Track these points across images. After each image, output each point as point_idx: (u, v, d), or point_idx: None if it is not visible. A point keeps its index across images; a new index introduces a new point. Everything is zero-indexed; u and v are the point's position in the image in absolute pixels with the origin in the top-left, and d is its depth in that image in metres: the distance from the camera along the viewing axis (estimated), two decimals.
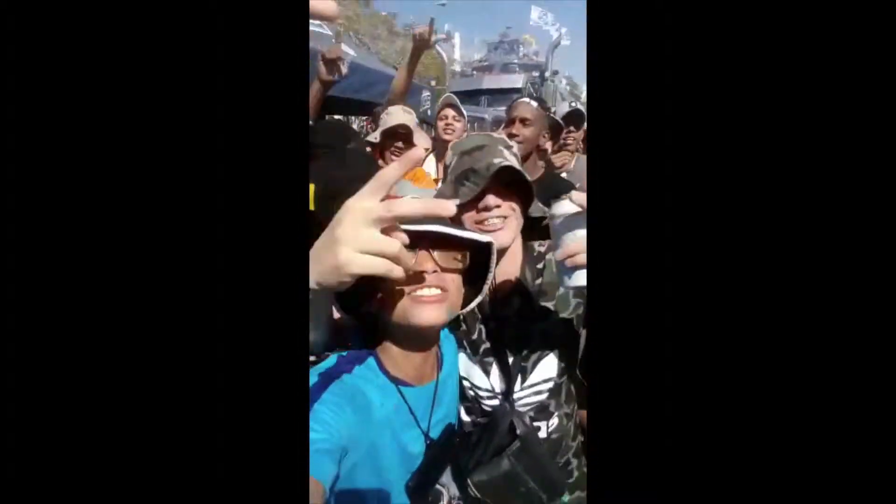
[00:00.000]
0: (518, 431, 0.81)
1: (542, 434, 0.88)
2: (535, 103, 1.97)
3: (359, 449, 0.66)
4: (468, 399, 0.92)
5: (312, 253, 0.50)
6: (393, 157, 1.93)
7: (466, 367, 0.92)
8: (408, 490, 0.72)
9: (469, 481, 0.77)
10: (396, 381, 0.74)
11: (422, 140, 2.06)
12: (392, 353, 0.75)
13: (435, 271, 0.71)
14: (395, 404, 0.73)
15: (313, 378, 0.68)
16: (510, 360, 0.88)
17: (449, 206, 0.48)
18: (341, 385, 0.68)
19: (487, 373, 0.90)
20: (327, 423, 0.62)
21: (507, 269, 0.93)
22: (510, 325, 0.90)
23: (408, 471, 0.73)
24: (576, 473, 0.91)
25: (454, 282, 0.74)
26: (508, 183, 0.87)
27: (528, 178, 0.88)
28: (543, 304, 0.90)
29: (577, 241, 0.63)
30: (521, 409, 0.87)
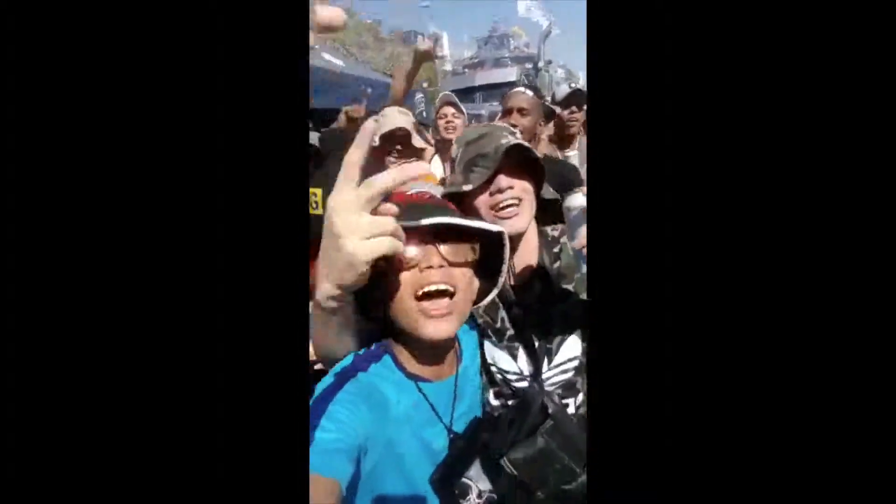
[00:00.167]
0: (549, 410, 0.83)
1: (571, 410, 0.89)
2: (529, 92, 1.99)
3: (377, 447, 0.65)
4: (497, 383, 0.93)
5: (321, 261, 0.52)
6: (391, 161, 1.91)
7: (492, 353, 0.92)
8: (433, 484, 0.70)
9: (505, 460, 0.78)
10: (415, 378, 0.72)
11: (420, 142, 2.05)
12: (408, 351, 0.74)
13: (442, 266, 0.66)
14: (414, 401, 0.71)
15: (330, 378, 0.68)
16: (536, 343, 0.89)
17: (423, 165, 0.48)
18: (357, 383, 0.67)
19: (514, 356, 0.91)
20: (342, 421, 0.61)
21: (525, 255, 0.93)
22: (532, 310, 0.90)
23: (431, 466, 0.71)
24: None
25: (464, 277, 0.70)
26: (519, 164, 0.86)
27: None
28: (564, 286, 0.91)
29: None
30: (549, 388, 0.89)
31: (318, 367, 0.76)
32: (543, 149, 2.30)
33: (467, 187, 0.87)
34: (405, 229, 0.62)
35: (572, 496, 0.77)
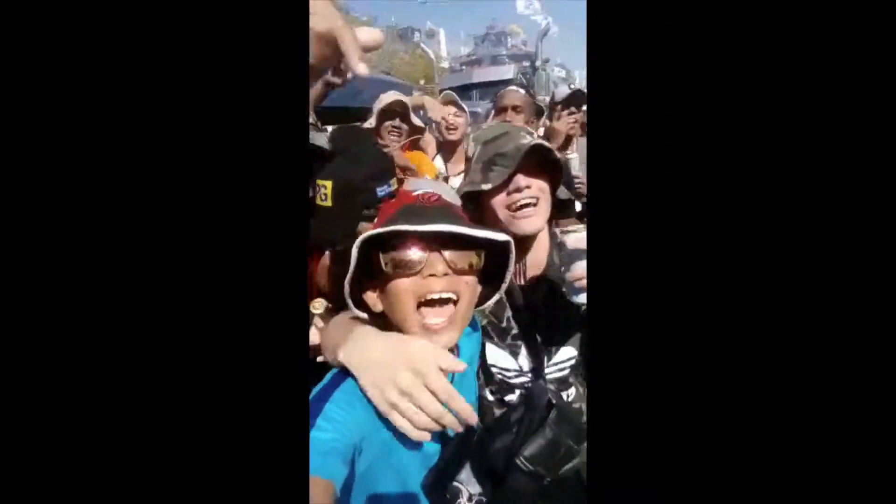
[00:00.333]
0: (554, 401, 0.85)
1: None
2: (521, 90, 2.05)
3: (372, 447, 0.65)
4: (494, 381, 0.94)
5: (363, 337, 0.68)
6: (391, 137, 1.91)
7: (494, 355, 0.93)
8: (423, 488, 0.70)
9: (520, 459, 0.80)
10: None
11: (419, 121, 2.06)
12: None
13: (446, 274, 0.66)
14: None
15: (327, 377, 0.68)
16: (539, 342, 0.90)
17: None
18: (352, 383, 0.67)
19: (515, 354, 0.92)
20: (337, 421, 0.61)
21: (536, 257, 0.94)
22: (540, 312, 0.91)
23: (425, 468, 0.71)
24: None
25: (467, 285, 0.69)
26: (537, 164, 0.87)
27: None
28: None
29: (583, 268, 0.75)
30: (549, 385, 0.90)
31: (320, 359, 0.76)
32: None
33: (486, 186, 0.87)
34: (408, 234, 0.64)
35: (570, 473, 0.80)
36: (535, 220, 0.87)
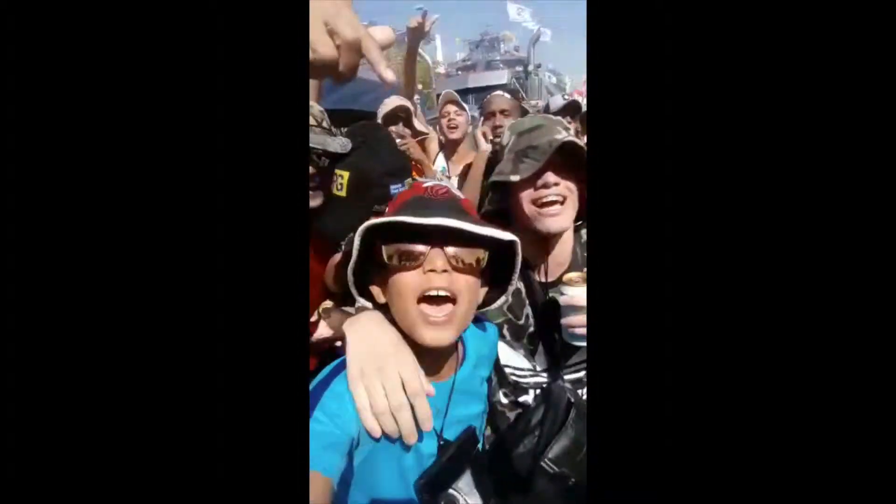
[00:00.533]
0: (573, 400, 0.84)
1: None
2: (507, 95, 2.10)
3: (370, 438, 0.64)
4: (509, 384, 0.92)
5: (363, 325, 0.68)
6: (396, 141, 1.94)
7: (507, 354, 0.91)
8: (417, 490, 0.68)
9: (545, 462, 0.80)
10: None
11: (421, 126, 2.10)
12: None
13: (445, 271, 0.64)
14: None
15: (325, 371, 0.68)
16: (557, 341, 0.89)
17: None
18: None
19: (532, 353, 0.91)
20: (335, 413, 0.60)
21: (560, 254, 0.92)
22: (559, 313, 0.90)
23: (421, 468, 0.70)
24: None
25: (466, 285, 0.66)
26: (569, 161, 0.86)
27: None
28: None
29: (578, 317, 0.79)
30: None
31: (339, 343, 0.77)
32: None
33: (515, 178, 0.86)
34: (410, 226, 0.63)
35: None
36: (560, 219, 0.85)
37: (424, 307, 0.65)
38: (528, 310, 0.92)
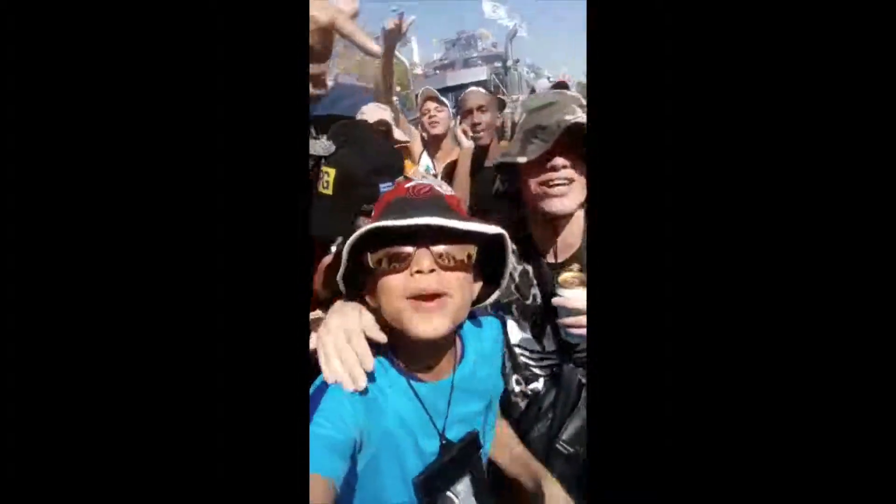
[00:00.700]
0: (584, 381, 0.85)
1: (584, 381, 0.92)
2: (482, 90, 2.08)
3: (372, 439, 0.64)
4: (521, 369, 0.92)
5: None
6: None
7: (516, 335, 0.92)
8: (415, 486, 0.67)
9: (560, 443, 0.81)
10: (410, 376, 0.70)
11: (402, 135, 2.09)
12: (402, 348, 0.70)
13: (433, 270, 0.62)
14: (408, 399, 0.69)
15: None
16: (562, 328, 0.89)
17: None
18: None
19: (540, 336, 0.91)
20: (334, 416, 0.60)
21: (569, 236, 0.92)
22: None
23: (424, 459, 0.69)
24: None
25: (458, 282, 0.64)
26: (578, 143, 0.83)
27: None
28: None
29: (576, 318, 0.80)
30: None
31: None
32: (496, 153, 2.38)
33: (522, 160, 0.85)
34: (390, 230, 0.61)
35: None
36: (566, 201, 0.84)
37: (414, 301, 0.64)
38: (535, 290, 0.92)
